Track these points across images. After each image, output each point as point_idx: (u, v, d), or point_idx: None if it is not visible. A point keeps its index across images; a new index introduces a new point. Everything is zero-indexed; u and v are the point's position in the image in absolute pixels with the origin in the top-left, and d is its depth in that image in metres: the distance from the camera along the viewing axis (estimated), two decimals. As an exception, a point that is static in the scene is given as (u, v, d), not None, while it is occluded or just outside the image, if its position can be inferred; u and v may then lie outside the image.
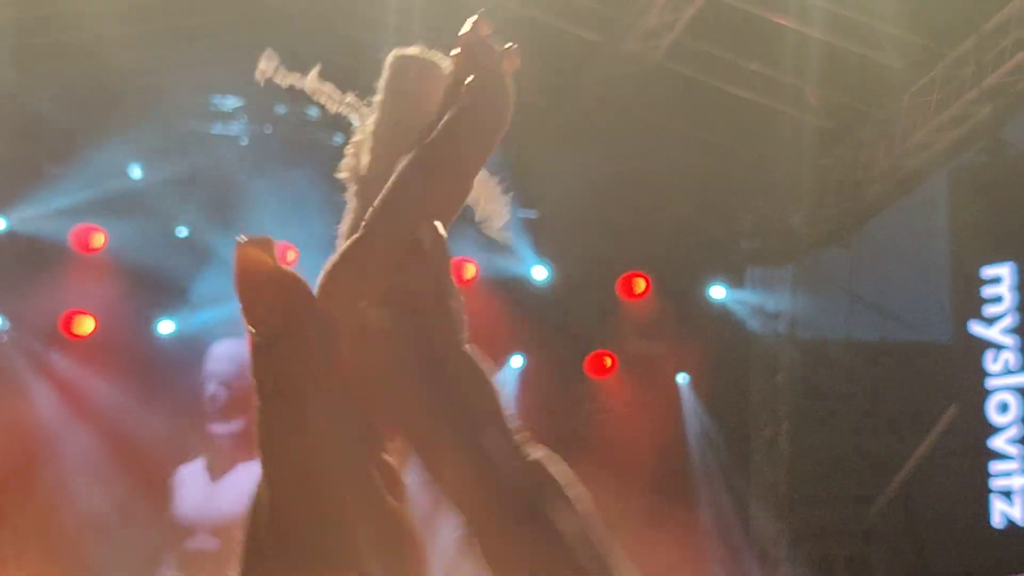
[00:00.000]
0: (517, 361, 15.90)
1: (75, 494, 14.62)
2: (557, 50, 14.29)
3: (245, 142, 15.52)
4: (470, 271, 15.43)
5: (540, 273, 15.68)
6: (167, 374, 15.19)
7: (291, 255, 15.16)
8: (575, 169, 14.97)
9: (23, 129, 14.27)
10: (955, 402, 14.90)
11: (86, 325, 14.87)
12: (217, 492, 15.57)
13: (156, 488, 15.12)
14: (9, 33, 13.51)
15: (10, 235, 14.56)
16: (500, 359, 15.91)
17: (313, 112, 15.41)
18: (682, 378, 16.08)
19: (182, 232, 15.21)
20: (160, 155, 14.83)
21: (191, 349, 15.22)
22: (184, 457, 15.37)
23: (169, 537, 15.25)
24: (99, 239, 14.75)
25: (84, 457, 14.73)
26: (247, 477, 14.99)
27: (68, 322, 14.82)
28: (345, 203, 1.75)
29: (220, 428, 15.62)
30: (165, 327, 15.29)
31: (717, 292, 16.26)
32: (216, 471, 15.63)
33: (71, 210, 14.46)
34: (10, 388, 14.52)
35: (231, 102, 15.45)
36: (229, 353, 15.50)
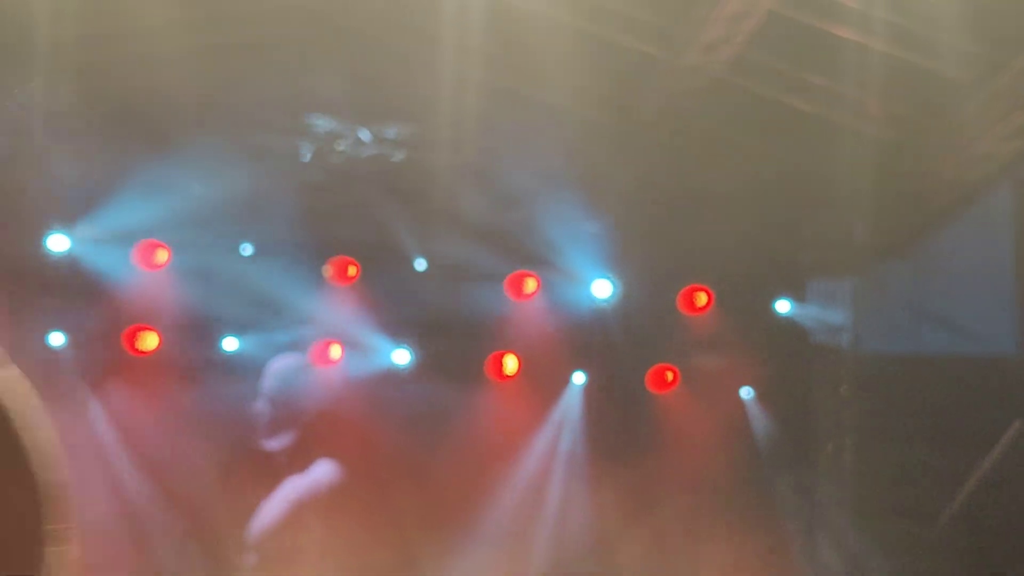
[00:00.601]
0: (579, 378, 15.90)
1: (133, 507, 14.75)
2: (616, 64, 14.29)
3: (307, 159, 15.60)
4: (531, 285, 15.45)
5: (602, 288, 15.63)
6: (230, 390, 15.29)
7: (352, 270, 15.29)
8: (635, 183, 14.98)
9: (85, 146, 14.41)
10: (1021, 416, 14.76)
11: (150, 341, 14.98)
12: (263, 506, 15.68)
13: (216, 503, 15.24)
14: (70, 50, 13.65)
15: (73, 253, 14.69)
16: (562, 376, 15.93)
17: (365, 135, 15.50)
18: (746, 392, 16.01)
19: (247, 250, 15.31)
20: (224, 171, 14.93)
21: (254, 366, 15.35)
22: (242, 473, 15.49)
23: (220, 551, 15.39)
24: (163, 255, 14.87)
25: (143, 473, 14.85)
26: (293, 492, 15.18)
27: (132, 338, 14.94)
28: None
29: (271, 444, 15.73)
30: (229, 344, 15.38)
31: (780, 306, 16.17)
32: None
33: (135, 227, 14.59)
34: (71, 403, 14.67)
35: (292, 118, 15.56)
36: (278, 370, 15.61)
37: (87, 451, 14.63)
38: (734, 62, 13.83)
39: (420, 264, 15.61)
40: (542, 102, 14.89)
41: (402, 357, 15.69)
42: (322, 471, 15.59)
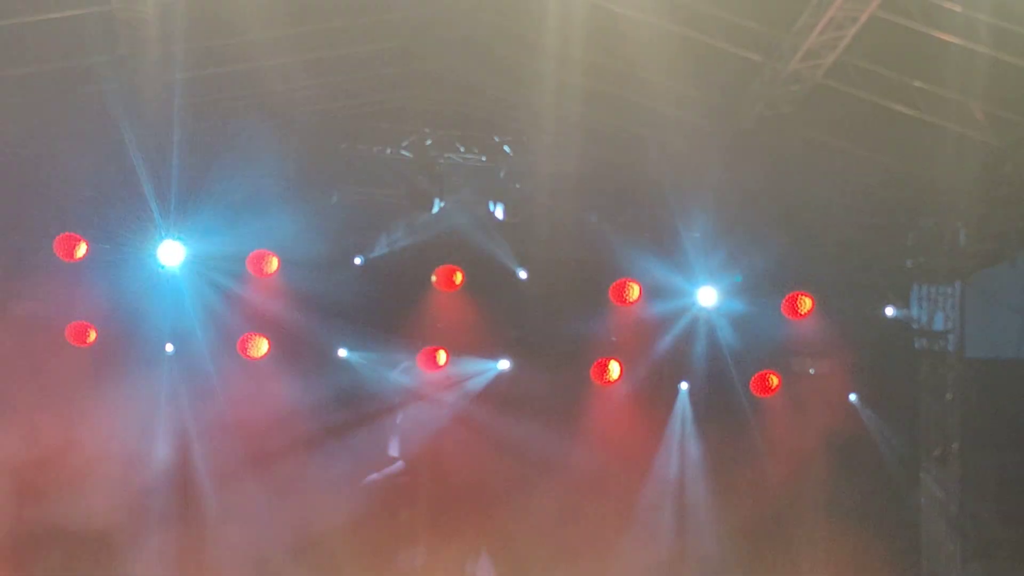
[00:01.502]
0: (685, 385, 15.99)
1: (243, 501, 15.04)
2: (719, 70, 14.34)
3: (412, 167, 15.78)
4: (634, 292, 15.52)
5: (708, 296, 15.67)
6: (338, 393, 15.55)
7: (458, 277, 15.50)
8: (737, 189, 15.00)
9: (196, 157, 14.66)
10: None
11: (261, 347, 15.27)
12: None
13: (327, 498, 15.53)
14: (180, 65, 13.90)
15: (190, 261, 14.97)
16: (671, 386, 16.01)
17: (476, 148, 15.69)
18: (854, 397, 15.99)
19: (357, 260, 15.53)
20: (336, 182, 15.17)
21: (361, 371, 15.61)
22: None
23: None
24: (273, 264, 15.12)
25: (256, 475, 15.12)
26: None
27: (244, 344, 15.23)
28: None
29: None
30: (340, 352, 15.67)
31: (883, 311, 16.12)
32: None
33: (247, 236, 14.84)
34: (182, 405, 15.01)
35: (399, 126, 15.75)
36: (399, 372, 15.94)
37: (200, 449, 14.97)
38: (837, 68, 13.82)
39: (523, 273, 15.74)
40: (646, 109, 14.97)
41: (506, 363, 15.88)
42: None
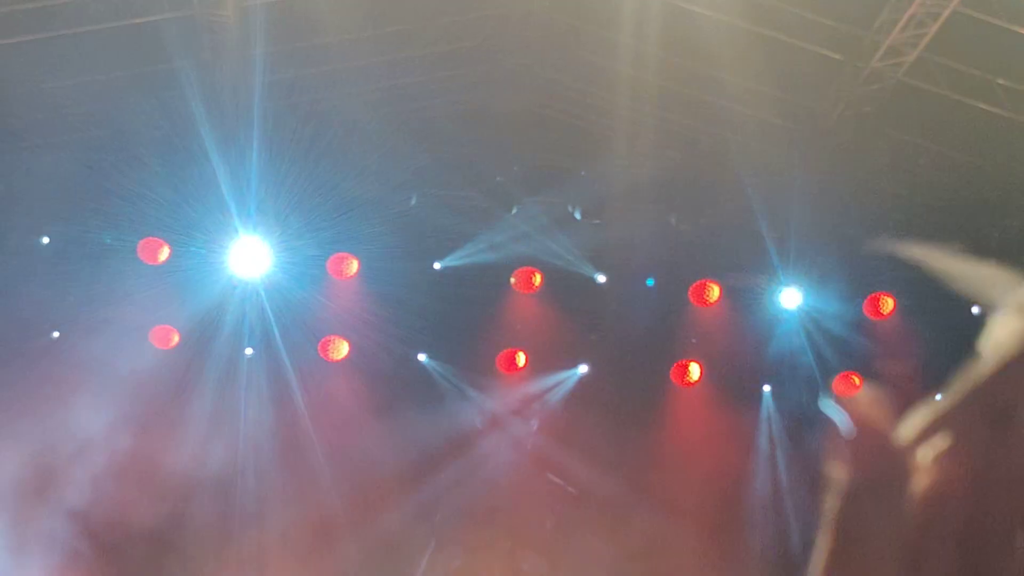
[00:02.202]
0: (767, 388, 15.96)
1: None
2: (798, 70, 14.28)
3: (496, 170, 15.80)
4: (714, 293, 15.49)
5: (790, 297, 15.60)
6: (415, 399, 15.65)
7: (536, 279, 15.53)
8: (819, 190, 14.92)
9: (276, 160, 14.78)
10: None
11: (341, 349, 15.40)
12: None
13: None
14: (261, 68, 14.02)
15: (270, 263, 15.10)
16: (753, 388, 15.96)
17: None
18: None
19: (435, 265, 15.61)
20: (415, 184, 15.24)
21: (438, 377, 15.72)
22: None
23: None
24: (353, 266, 15.24)
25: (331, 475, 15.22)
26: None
27: (326, 346, 15.37)
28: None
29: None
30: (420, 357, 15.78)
31: (969, 310, 15.94)
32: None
33: (330, 238, 14.97)
34: (263, 407, 15.16)
35: (481, 126, 15.81)
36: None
37: (282, 447, 15.10)
38: (918, 66, 13.73)
39: (600, 277, 15.74)
40: (725, 109, 14.95)
41: (584, 367, 15.92)
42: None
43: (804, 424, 15.45)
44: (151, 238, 14.86)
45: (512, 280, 15.59)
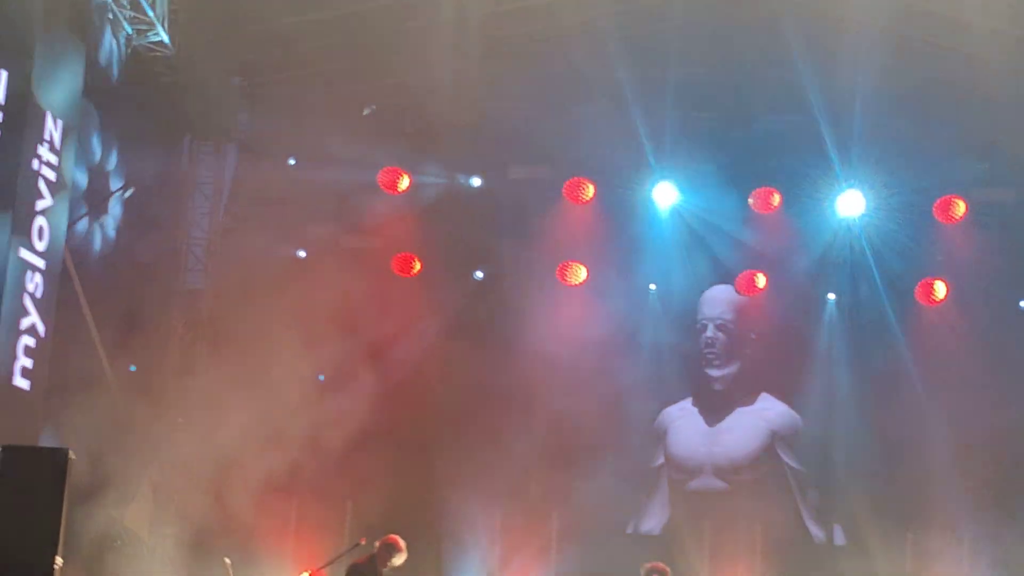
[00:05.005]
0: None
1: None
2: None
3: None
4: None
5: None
6: (647, 319, 15.68)
7: (775, 199, 15.39)
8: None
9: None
10: None
11: (580, 274, 15.56)
12: (716, 435, 15.90)
13: (636, 428, 15.80)
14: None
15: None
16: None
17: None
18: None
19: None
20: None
21: (674, 298, 15.75)
22: (668, 399, 16.00)
23: (670, 476, 15.77)
24: (589, 190, 15.36)
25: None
26: (745, 421, 15.31)
27: (564, 271, 15.56)
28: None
29: (715, 372, 15.97)
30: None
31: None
32: (712, 415, 16.02)
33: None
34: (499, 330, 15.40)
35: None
36: (725, 297, 15.86)
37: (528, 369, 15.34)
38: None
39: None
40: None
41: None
42: (776, 409, 15.81)
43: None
44: (391, 167, 15.23)
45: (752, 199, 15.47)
